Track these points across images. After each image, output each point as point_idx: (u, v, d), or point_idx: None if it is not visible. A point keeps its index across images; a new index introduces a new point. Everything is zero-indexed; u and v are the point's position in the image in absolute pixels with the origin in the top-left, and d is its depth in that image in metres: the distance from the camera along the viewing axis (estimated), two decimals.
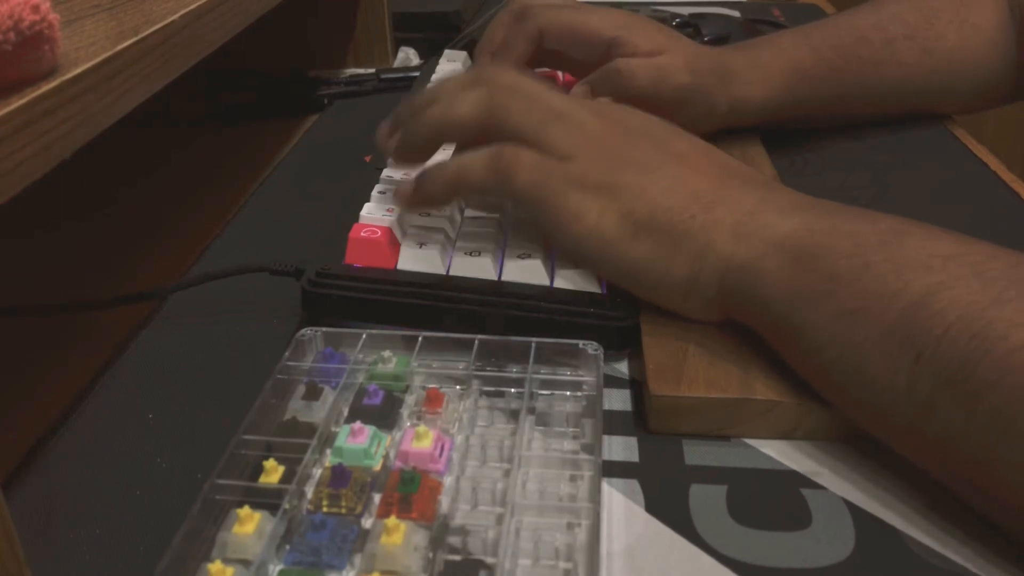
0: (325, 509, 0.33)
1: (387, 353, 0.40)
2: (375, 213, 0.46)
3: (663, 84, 0.57)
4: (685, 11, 0.93)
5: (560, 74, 0.67)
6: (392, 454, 0.35)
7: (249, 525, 0.31)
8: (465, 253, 0.44)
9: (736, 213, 0.39)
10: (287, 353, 0.40)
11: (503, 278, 0.43)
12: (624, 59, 0.57)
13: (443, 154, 0.48)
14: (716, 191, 0.40)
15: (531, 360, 0.39)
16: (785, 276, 0.37)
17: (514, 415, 0.38)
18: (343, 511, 0.32)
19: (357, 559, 0.31)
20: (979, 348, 0.31)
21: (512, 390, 0.39)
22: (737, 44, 0.65)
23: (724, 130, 0.60)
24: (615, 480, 0.36)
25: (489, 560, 0.31)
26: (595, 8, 0.61)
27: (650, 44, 0.57)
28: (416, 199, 0.45)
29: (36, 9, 0.29)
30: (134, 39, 0.36)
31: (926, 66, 0.63)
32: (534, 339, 0.40)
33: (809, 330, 0.36)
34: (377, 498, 0.33)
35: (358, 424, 0.35)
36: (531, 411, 0.38)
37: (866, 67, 0.62)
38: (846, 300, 0.35)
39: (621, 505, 0.35)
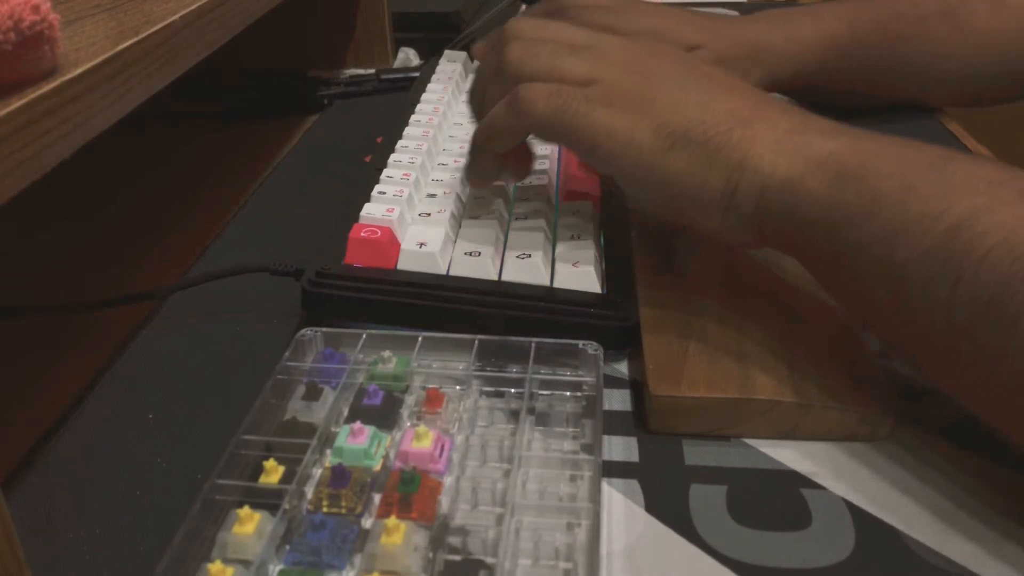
0: (325, 509, 0.33)
1: (387, 353, 0.40)
2: (375, 213, 0.46)
3: None
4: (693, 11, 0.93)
5: None
6: (392, 454, 0.35)
7: (249, 525, 0.31)
8: (465, 253, 0.44)
9: (776, 130, 0.39)
10: (287, 353, 0.40)
11: (503, 278, 0.43)
12: None
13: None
14: (753, 111, 0.40)
15: (531, 360, 0.39)
16: (826, 195, 0.36)
17: (514, 415, 0.38)
18: (343, 511, 0.32)
19: (357, 559, 0.31)
20: (1021, 272, 0.30)
21: (512, 390, 0.39)
22: (773, 12, 0.65)
23: None
24: (615, 480, 0.36)
25: (489, 560, 0.31)
26: (622, 10, 0.61)
27: (680, 45, 0.57)
28: (473, 176, 0.46)
29: (36, 9, 0.29)
30: (134, 39, 0.36)
31: (956, 42, 0.62)
32: (534, 339, 0.40)
33: (850, 251, 0.35)
34: (377, 498, 0.33)
35: (358, 424, 0.35)
36: (531, 411, 0.38)
37: (900, 44, 0.62)
38: (888, 220, 0.34)
39: (621, 505, 0.35)
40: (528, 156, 0.46)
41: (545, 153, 0.55)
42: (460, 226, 0.47)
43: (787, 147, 0.38)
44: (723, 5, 1.00)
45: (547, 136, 0.42)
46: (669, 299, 0.44)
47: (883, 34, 0.62)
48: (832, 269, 0.37)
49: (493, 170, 0.46)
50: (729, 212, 0.39)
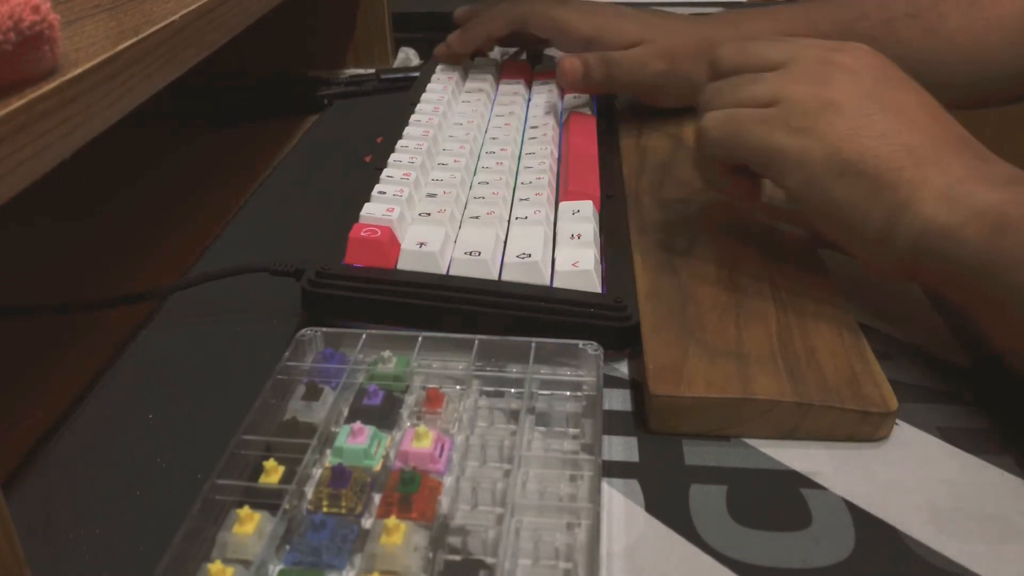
0: (325, 509, 0.33)
1: (387, 353, 0.40)
2: (375, 213, 0.46)
3: (642, 72, 0.62)
4: (685, 12, 0.93)
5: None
6: (392, 454, 0.35)
7: (249, 525, 0.31)
8: (465, 253, 0.44)
9: (946, 176, 0.39)
10: (287, 353, 0.40)
11: (503, 278, 0.43)
12: (609, 52, 0.61)
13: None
14: (930, 149, 0.40)
15: (531, 360, 0.39)
16: (983, 243, 0.37)
17: (514, 415, 0.38)
18: (343, 511, 0.32)
19: (357, 559, 0.31)
20: None
21: (512, 390, 0.39)
22: (731, 13, 0.66)
23: None
24: (615, 480, 0.36)
25: (489, 560, 0.31)
26: (577, 5, 0.64)
27: (625, 39, 0.61)
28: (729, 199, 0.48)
29: (36, 9, 0.29)
30: (134, 39, 0.36)
31: (926, 45, 0.62)
32: (534, 339, 0.40)
33: (1009, 295, 0.36)
34: (377, 498, 0.33)
35: (358, 424, 0.35)
36: (531, 411, 0.38)
37: (864, 43, 0.62)
38: None
39: (621, 505, 0.35)
40: (743, 183, 0.47)
41: (545, 153, 0.55)
42: (460, 226, 0.47)
43: (953, 195, 0.38)
44: (722, 5, 1.00)
45: (728, 158, 0.45)
46: (669, 300, 0.44)
47: (846, 34, 0.62)
48: (988, 310, 0.38)
49: (727, 195, 0.48)
50: (884, 246, 0.40)
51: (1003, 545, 0.32)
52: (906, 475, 0.36)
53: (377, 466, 0.35)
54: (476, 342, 0.40)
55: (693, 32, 0.63)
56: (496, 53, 0.77)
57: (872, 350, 0.40)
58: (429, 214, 0.47)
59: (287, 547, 0.31)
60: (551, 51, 0.76)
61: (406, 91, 0.69)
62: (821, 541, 0.33)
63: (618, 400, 0.41)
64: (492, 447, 0.36)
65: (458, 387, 0.39)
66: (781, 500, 0.35)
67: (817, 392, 0.38)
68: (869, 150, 0.40)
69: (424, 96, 0.64)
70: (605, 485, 0.36)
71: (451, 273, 0.44)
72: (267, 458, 0.34)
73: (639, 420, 0.39)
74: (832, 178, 0.41)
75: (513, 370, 0.39)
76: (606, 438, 0.38)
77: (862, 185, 0.40)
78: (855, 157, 0.40)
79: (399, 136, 0.57)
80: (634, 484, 0.36)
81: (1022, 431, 0.38)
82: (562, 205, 0.50)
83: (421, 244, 0.44)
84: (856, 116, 0.41)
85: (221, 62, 0.53)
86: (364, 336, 0.41)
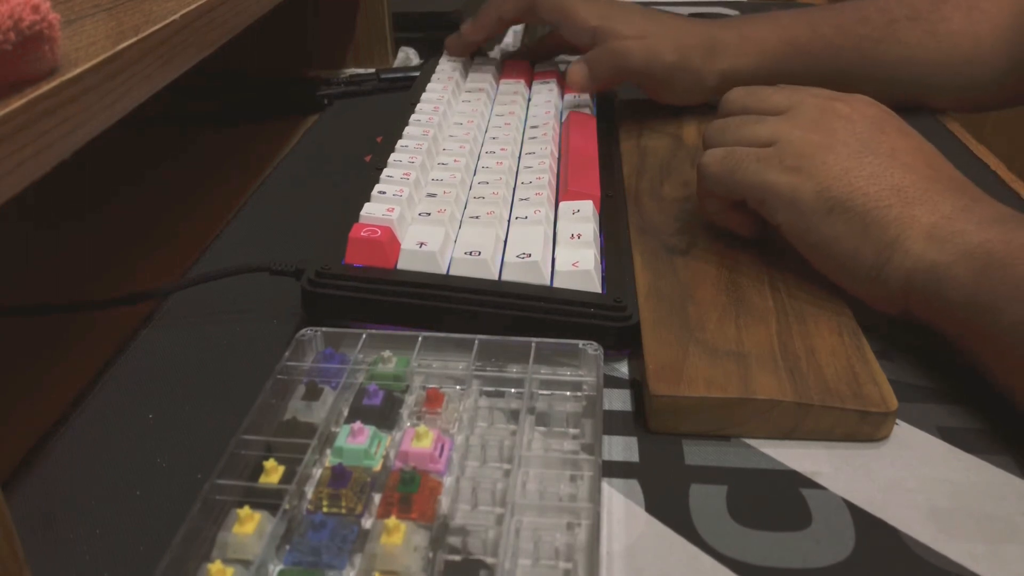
0: (325, 509, 0.33)
1: (387, 353, 0.40)
2: (375, 213, 0.46)
3: (653, 63, 0.62)
4: (685, 11, 0.93)
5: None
6: (392, 454, 0.35)
7: (249, 525, 0.31)
8: (465, 253, 0.44)
9: (935, 215, 0.40)
10: (287, 353, 0.40)
11: (503, 278, 0.43)
12: (620, 41, 0.61)
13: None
14: (919, 189, 0.41)
15: (531, 360, 0.39)
16: (972, 282, 0.37)
17: (514, 415, 0.38)
18: (343, 511, 0.32)
19: (357, 559, 0.31)
20: None
21: (512, 390, 0.39)
22: (735, 17, 0.67)
23: None
24: (615, 480, 0.36)
25: (489, 560, 0.31)
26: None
27: (631, 30, 0.62)
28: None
29: (36, 9, 0.29)
30: (134, 39, 0.36)
31: (928, 46, 0.63)
32: (534, 339, 0.40)
33: (997, 331, 0.36)
34: (377, 498, 0.33)
35: (358, 424, 0.35)
36: (531, 411, 0.38)
37: (865, 44, 0.63)
38: None
39: (621, 505, 0.35)
40: (745, 217, 0.47)
41: (545, 153, 0.55)
42: (460, 226, 0.47)
43: (941, 234, 0.39)
44: (723, 5, 1.00)
45: (726, 193, 0.46)
46: (669, 300, 0.44)
47: (848, 36, 0.63)
48: (983, 346, 0.38)
49: (729, 228, 0.49)
50: (877, 283, 0.41)
51: (1003, 545, 0.32)
52: (906, 475, 0.36)
53: (377, 466, 0.35)
54: (476, 342, 0.40)
55: (699, 29, 0.63)
56: (496, 53, 0.77)
57: (872, 350, 0.40)
58: (429, 214, 0.47)
59: (287, 547, 0.31)
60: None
61: (406, 91, 0.68)
62: (821, 541, 0.33)
63: (618, 400, 0.41)
64: (492, 447, 0.36)
65: (458, 387, 0.39)
66: (781, 500, 0.35)
67: (817, 392, 0.38)
68: (858, 189, 0.41)
69: (424, 96, 0.64)
70: (605, 485, 0.36)
71: (451, 273, 0.44)
72: (267, 458, 0.34)
73: (639, 420, 0.39)
74: (821, 215, 0.42)
75: (513, 370, 0.39)
76: (606, 438, 0.38)
77: (851, 223, 0.41)
78: (844, 195, 0.41)
79: (399, 136, 0.57)
80: (634, 484, 0.36)
81: (1022, 431, 0.38)
82: (562, 205, 0.50)
83: (421, 244, 0.44)
84: (848, 157, 0.42)
85: (221, 62, 0.53)
86: (364, 336, 0.41)
